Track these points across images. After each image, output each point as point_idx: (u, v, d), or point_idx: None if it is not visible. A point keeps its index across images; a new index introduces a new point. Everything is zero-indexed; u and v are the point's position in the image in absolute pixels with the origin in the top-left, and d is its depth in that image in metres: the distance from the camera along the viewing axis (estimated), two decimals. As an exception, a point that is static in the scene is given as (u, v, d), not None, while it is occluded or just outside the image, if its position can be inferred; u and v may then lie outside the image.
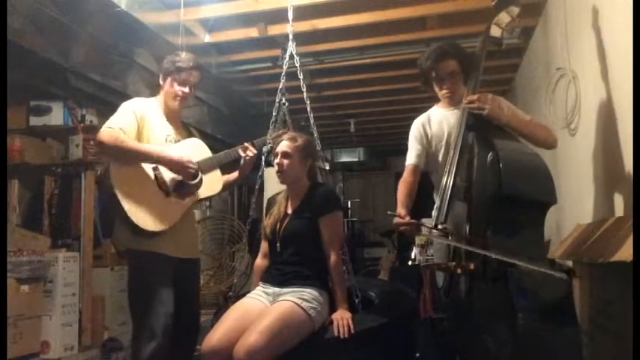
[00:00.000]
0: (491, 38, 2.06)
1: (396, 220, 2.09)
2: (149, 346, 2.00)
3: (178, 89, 2.21)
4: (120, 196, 2.02)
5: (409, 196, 2.23)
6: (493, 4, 2.02)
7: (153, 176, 2.11)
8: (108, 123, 2.07)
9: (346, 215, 7.28)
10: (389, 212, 2.12)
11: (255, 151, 2.31)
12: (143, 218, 2.03)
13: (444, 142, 2.21)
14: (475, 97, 1.96)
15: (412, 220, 2.06)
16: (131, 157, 2.06)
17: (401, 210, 2.14)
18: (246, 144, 2.34)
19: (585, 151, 2.47)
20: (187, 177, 2.14)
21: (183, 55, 2.27)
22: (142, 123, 2.12)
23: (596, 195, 2.34)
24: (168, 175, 2.14)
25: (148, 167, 2.11)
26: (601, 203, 2.25)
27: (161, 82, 2.26)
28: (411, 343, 2.29)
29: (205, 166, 2.23)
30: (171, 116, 2.28)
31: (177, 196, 2.14)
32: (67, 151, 3.76)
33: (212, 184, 2.29)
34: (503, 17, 2.03)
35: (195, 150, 2.26)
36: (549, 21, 3.22)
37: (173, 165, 2.11)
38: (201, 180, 2.20)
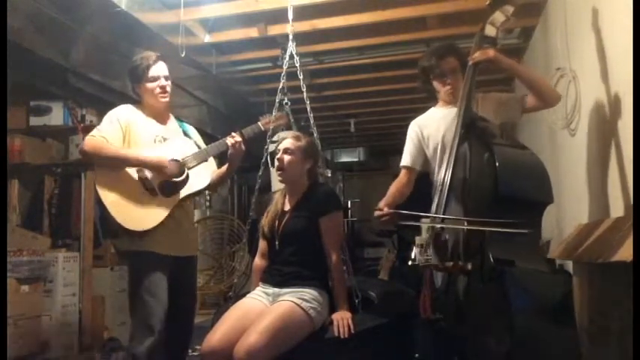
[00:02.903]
0: (486, 38, 2.04)
1: (376, 212, 2.14)
2: (145, 342, 2.03)
3: (155, 86, 2.22)
4: (104, 200, 2.07)
5: (396, 194, 2.29)
6: (488, 3, 2.01)
7: (137, 177, 2.14)
8: (92, 132, 2.15)
9: (346, 215, 7.29)
10: (375, 208, 2.17)
11: (240, 139, 2.28)
12: (128, 219, 2.08)
13: (440, 141, 2.21)
14: (477, 53, 2.01)
15: (390, 210, 2.11)
16: (112, 163, 2.12)
17: (381, 203, 2.20)
18: (232, 133, 2.30)
19: (585, 151, 2.46)
20: (166, 176, 2.15)
21: (142, 55, 2.26)
22: (127, 129, 2.17)
23: (596, 195, 2.33)
24: (151, 175, 2.15)
25: (132, 170, 2.15)
26: (601, 203, 2.25)
27: (138, 91, 2.27)
28: (410, 343, 2.29)
29: (191, 162, 2.22)
30: (159, 116, 2.29)
31: (164, 194, 2.15)
32: (67, 151, 3.77)
33: (200, 178, 2.28)
34: (498, 16, 2.00)
35: (181, 148, 2.26)
36: (549, 21, 3.22)
37: (151, 166, 2.13)
38: (187, 176, 2.20)
